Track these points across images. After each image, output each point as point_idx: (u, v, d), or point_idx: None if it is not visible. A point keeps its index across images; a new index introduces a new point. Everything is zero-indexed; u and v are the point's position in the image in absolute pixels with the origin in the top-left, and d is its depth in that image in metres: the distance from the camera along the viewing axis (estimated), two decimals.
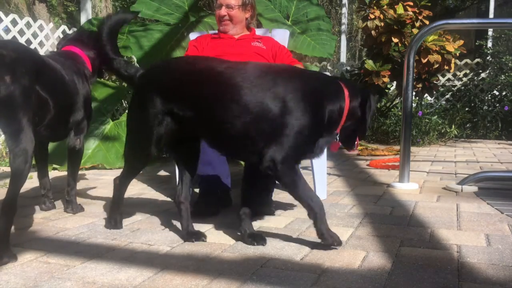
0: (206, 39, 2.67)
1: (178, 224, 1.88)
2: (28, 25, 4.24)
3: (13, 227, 1.81)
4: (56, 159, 3.43)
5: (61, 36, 4.57)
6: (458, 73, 6.97)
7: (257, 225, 1.86)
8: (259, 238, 1.62)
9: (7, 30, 4.06)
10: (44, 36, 4.41)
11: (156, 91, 1.63)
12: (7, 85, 1.43)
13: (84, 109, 2.01)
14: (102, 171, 3.45)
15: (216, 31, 2.74)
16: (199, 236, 1.67)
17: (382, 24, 4.60)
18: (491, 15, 7.60)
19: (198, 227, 1.83)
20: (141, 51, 3.74)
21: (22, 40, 4.14)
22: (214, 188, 2.12)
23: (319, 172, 2.35)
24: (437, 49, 4.50)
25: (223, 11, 2.56)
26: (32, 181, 2.92)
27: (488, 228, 1.80)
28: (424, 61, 4.45)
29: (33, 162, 2.28)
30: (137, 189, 2.72)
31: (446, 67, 4.70)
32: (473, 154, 4.63)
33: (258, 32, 2.78)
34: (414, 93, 5.04)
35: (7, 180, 3.04)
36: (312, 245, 1.59)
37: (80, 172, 3.26)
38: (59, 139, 2.10)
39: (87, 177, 3.20)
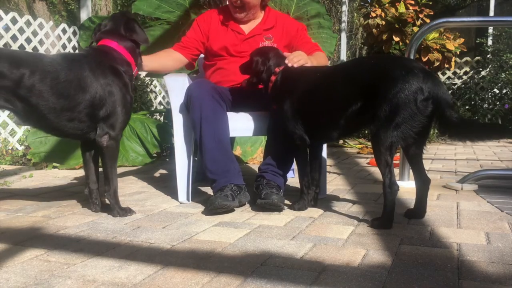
0: (212, 19, 2.46)
1: (178, 222, 1.88)
2: (28, 23, 4.24)
3: (13, 226, 1.82)
4: (56, 158, 3.43)
5: (61, 34, 4.57)
6: (458, 71, 6.96)
7: (257, 223, 1.86)
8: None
9: (7, 29, 4.05)
10: (44, 34, 4.40)
11: None
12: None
13: (107, 105, 1.89)
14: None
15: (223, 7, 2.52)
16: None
17: (383, 22, 4.59)
18: (491, 13, 7.60)
19: (198, 226, 1.84)
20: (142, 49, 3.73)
21: (21, 38, 4.13)
22: (227, 183, 2.08)
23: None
24: (437, 47, 4.50)
25: None
26: (32, 179, 2.93)
27: (488, 226, 1.80)
28: (424, 59, 4.45)
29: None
30: (137, 187, 2.72)
31: (446, 65, 4.70)
32: (473, 152, 4.63)
33: None
34: None
35: (7, 179, 3.05)
36: (312, 243, 1.59)
37: (79, 171, 3.26)
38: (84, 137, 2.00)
39: None
